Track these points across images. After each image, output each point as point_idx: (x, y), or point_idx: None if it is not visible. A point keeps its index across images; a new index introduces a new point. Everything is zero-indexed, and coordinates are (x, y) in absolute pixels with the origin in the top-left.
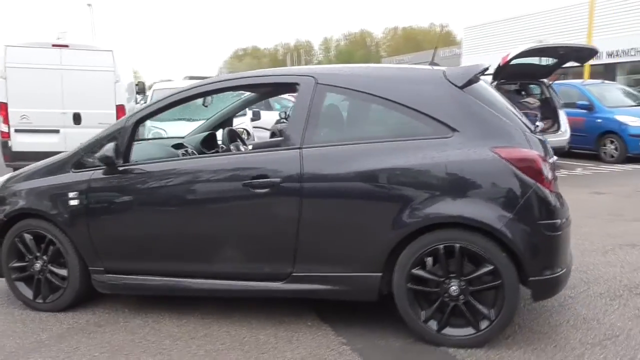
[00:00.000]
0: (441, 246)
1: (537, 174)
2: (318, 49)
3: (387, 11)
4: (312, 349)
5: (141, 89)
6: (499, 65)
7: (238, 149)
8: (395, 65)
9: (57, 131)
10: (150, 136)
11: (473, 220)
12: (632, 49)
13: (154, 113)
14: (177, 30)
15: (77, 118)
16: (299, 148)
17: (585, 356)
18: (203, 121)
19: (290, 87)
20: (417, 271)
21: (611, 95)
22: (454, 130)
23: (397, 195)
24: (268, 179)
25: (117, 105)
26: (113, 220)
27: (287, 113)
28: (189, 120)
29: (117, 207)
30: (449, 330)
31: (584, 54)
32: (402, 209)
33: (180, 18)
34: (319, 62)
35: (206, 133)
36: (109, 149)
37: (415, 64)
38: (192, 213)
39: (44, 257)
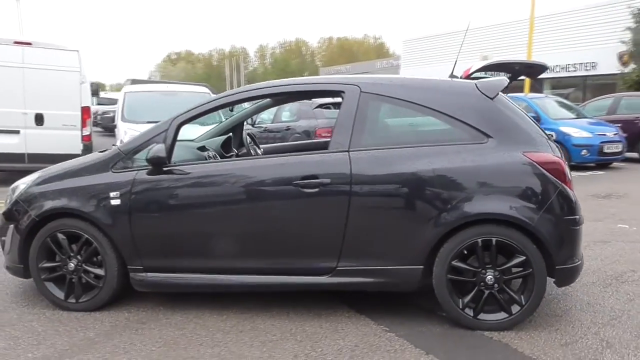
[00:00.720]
0: (479, 240)
1: (562, 176)
2: (253, 56)
3: (322, 21)
4: (361, 337)
5: (94, 91)
6: (460, 77)
7: (256, 152)
8: (427, 77)
9: (17, 132)
10: (126, 138)
11: (509, 217)
12: (556, 65)
13: (196, 116)
14: (105, 31)
15: (39, 119)
16: (347, 151)
17: (601, 333)
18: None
19: (334, 95)
20: (457, 263)
21: (553, 108)
22: (488, 136)
23: (440, 195)
24: (318, 180)
25: (82, 107)
26: (157, 219)
27: (254, 120)
28: None
29: (162, 206)
30: (483, 316)
31: (535, 69)
32: (444, 207)
33: (109, 18)
34: (255, 70)
35: (224, 137)
36: (160, 150)
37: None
38: (238, 212)
39: (78, 257)
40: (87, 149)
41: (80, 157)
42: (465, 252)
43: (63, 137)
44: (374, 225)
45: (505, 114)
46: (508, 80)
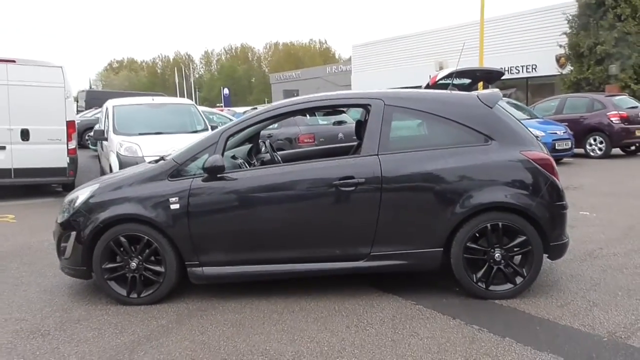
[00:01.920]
0: (488, 224)
1: (552, 170)
2: (199, 63)
3: (268, 26)
4: (396, 310)
5: None
6: (427, 84)
7: (277, 159)
8: (438, 90)
9: (3, 148)
10: (122, 150)
11: (513, 204)
12: (501, 67)
13: (243, 129)
14: (38, 38)
15: (25, 134)
16: (377, 154)
17: (587, 297)
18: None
19: (362, 107)
20: (471, 244)
21: (508, 110)
22: (491, 139)
23: (455, 189)
24: (354, 180)
25: (67, 122)
26: (213, 220)
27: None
28: (157, 134)
29: (217, 208)
30: (493, 287)
31: (492, 75)
32: (459, 199)
33: (41, 24)
34: (201, 77)
35: (249, 146)
36: (218, 159)
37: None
38: (287, 209)
39: (139, 257)
40: (73, 161)
41: (133, 168)
42: (477, 234)
43: (49, 151)
44: (402, 216)
45: (503, 120)
46: (501, 93)
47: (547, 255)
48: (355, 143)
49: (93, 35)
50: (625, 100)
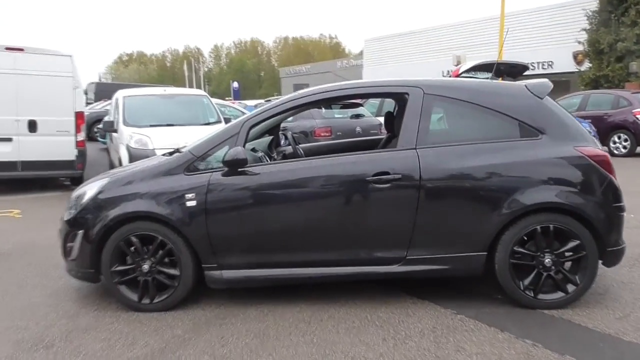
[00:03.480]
0: (538, 227)
1: (609, 167)
2: (208, 56)
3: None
4: (435, 320)
5: None
6: (449, 76)
7: (300, 152)
8: (483, 80)
9: (9, 139)
10: (132, 143)
11: (566, 205)
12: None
13: (266, 119)
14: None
15: (32, 125)
16: (414, 148)
17: None
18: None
19: (399, 96)
20: (518, 248)
21: None
22: (541, 132)
23: (502, 187)
24: (389, 176)
25: (76, 112)
26: (233, 218)
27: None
28: (169, 125)
29: (238, 205)
30: (542, 296)
31: (517, 69)
32: (506, 198)
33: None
34: (210, 70)
35: (270, 138)
36: (239, 152)
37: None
38: (314, 207)
39: (152, 259)
40: (82, 154)
41: (144, 161)
42: (525, 238)
43: (57, 143)
44: (442, 217)
45: (554, 113)
46: (551, 85)
47: (601, 261)
48: (379, 137)
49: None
50: None
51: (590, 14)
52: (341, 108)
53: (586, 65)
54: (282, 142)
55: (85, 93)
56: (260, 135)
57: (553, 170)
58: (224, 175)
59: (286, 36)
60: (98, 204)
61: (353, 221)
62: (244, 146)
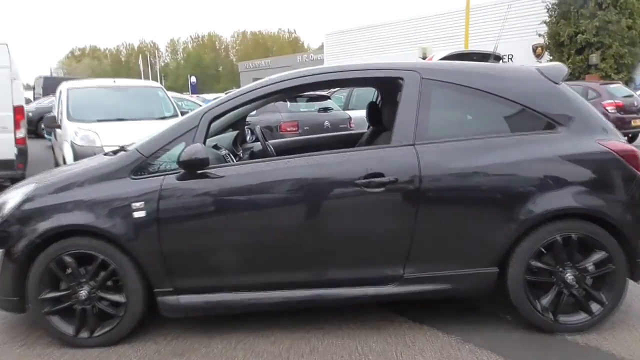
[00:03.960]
0: (559, 236)
1: (639, 164)
2: (165, 51)
3: (236, 15)
4: (439, 351)
5: None
6: None
7: (270, 149)
8: (488, 63)
9: None
10: (77, 139)
11: (592, 210)
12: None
13: (230, 110)
14: None
15: None
16: (413, 144)
17: None
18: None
19: (392, 82)
20: (535, 262)
21: None
22: (558, 124)
23: (517, 189)
24: (383, 178)
25: (15, 107)
26: (192, 231)
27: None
28: (119, 120)
29: (198, 215)
30: (563, 318)
31: (490, 60)
32: (522, 202)
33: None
34: (167, 65)
35: (234, 133)
36: (199, 150)
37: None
38: (292, 217)
39: (92, 282)
40: (22, 153)
41: (83, 162)
42: (543, 250)
43: None
44: (446, 226)
45: (572, 100)
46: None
47: (630, 275)
48: (360, 132)
49: (54, 21)
50: (620, 89)
51: (550, 6)
52: (308, 101)
53: (546, 58)
54: (249, 137)
55: (33, 88)
56: (223, 129)
57: (575, 170)
58: (180, 178)
59: (244, 30)
60: (23, 216)
61: (339, 233)
62: (204, 143)
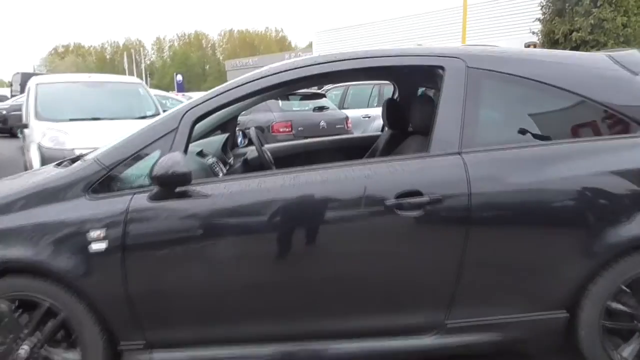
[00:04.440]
0: None
1: None
2: (150, 49)
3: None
4: None
5: None
6: None
7: (268, 156)
8: (549, 50)
9: None
10: (45, 141)
11: None
12: None
13: (217, 108)
14: None
15: None
16: (459, 153)
17: None
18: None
19: (426, 73)
20: (615, 304)
21: None
22: None
23: (595, 211)
24: (422, 197)
25: None
26: (171, 267)
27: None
28: (94, 119)
29: (178, 246)
30: None
31: None
32: (600, 227)
33: None
34: (152, 63)
35: (224, 137)
36: (177, 161)
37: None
38: (303, 250)
39: (35, 336)
40: None
41: (25, 174)
42: (625, 288)
43: None
44: (503, 257)
45: None
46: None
47: None
48: (373, 134)
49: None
50: None
51: (545, 3)
52: (301, 99)
53: None
54: (240, 140)
55: (10, 85)
56: (209, 132)
57: None
58: (154, 198)
59: (231, 29)
60: None
61: (363, 269)
62: (185, 150)
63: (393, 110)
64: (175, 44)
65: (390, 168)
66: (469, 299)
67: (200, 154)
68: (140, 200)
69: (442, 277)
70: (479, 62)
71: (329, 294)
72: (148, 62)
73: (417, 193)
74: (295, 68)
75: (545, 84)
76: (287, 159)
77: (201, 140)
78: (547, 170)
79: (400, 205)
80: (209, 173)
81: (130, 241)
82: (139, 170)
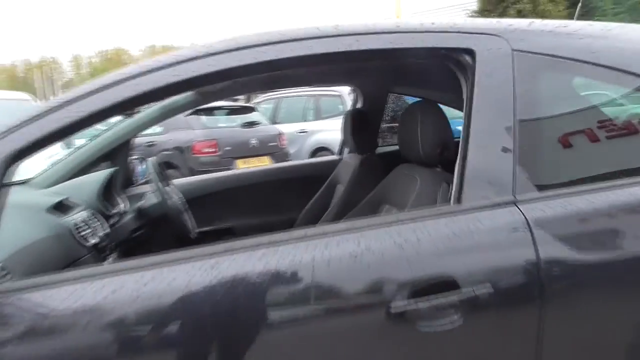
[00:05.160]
0: None
1: None
2: (67, 66)
3: (142, 29)
4: None
5: None
6: None
7: (176, 198)
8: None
9: None
10: None
11: None
12: None
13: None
14: None
15: None
16: (514, 203)
17: None
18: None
19: (431, 66)
20: None
21: None
22: None
23: None
24: (459, 295)
25: None
26: None
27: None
28: None
29: None
30: None
31: None
32: None
33: None
34: (70, 80)
35: (107, 172)
36: None
37: None
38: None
39: None
40: None
41: None
42: None
43: None
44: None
45: None
46: None
47: None
48: (330, 158)
49: None
50: None
51: (471, 14)
52: (228, 114)
53: None
54: (140, 172)
55: None
56: (88, 165)
57: None
58: None
59: (153, 45)
60: None
61: None
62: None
63: (361, 126)
64: (94, 60)
65: (391, 235)
66: None
67: (60, 207)
68: None
69: None
70: (532, 44)
71: None
72: (65, 80)
73: (454, 284)
74: (196, 58)
75: (633, 74)
76: (208, 202)
77: (65, 183)
78: None
79: (417, 313)
80: (72, 242)
81: None
82: None
